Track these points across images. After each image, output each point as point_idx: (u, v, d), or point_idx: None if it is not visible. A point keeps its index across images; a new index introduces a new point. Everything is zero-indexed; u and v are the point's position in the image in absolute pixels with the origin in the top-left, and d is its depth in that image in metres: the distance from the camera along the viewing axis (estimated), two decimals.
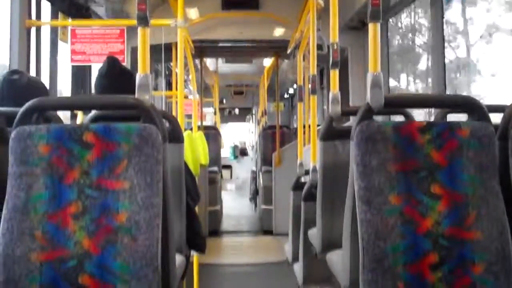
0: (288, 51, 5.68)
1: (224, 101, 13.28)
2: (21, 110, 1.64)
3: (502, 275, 1.58)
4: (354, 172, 1.66)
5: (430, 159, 1.66)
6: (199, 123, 6.97)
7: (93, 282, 1.52)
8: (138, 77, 1.92)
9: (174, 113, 5.35)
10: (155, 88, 8.10)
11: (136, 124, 1.63)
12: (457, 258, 1.59)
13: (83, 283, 1.52)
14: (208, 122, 11.09)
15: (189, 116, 6.86)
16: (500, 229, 1.60)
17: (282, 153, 6.74)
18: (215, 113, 9.61)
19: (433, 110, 3.25)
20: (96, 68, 4.47)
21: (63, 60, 4.04)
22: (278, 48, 6.87)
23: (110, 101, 1.81)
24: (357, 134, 1.67)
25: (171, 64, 6.44)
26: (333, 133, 2.53)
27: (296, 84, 4.87)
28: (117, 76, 2.34)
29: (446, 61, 4.24)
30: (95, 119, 1.94)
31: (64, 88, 4.51)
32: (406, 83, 7.74)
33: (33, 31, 3.48)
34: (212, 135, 7.84)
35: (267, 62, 8.46)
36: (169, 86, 8.48)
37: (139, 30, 1.92)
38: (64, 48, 4.02)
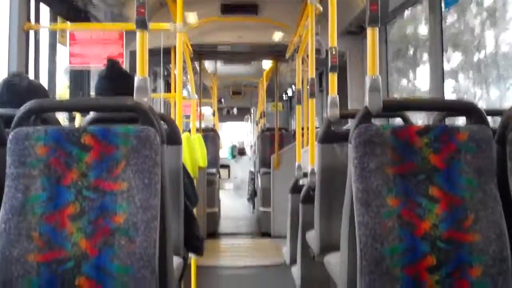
0: (287, 55, 5.69)
1: (223, 100, 13.25)
2: (19, 111, 1.64)
3: (499, 277, 1.58)
4: (352, 175, 1.66)
5: (428, 162, 1.66)
6: (198, 125, 6.97)
7: (90, 283, 1.51)
8: (136, 79, 1.92)
9: (172, 115, 5.35)
10: (154, 90, 8.11)
11: (134, 126, 1.63)
12: (454, 260, 1.59)
13: (80, 285, 1.51)
14: (206, 121, 11.07)
15: (188, 116, 6.86)
16: (498, 232, 1.60)
17: (281, 155, 6.74)
18: (213, 115, 9.60)
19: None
20: (94, 71, 4.49)
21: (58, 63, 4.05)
22: (277, 52, 6.88)
23: (108, 103, 1.82)
24: (355, 137, 1.67)
25: (170, 66, 6.45)
26: (331, 136, 2.54)
27: (295, 85, 4.89)
28: (116, 78, 2.35)
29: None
30: (93, 122, 1.94)
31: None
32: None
33: (31, 34, 3.49)
34: (210, 137, 7.84)
35: (266, 63, 8.47)
36: (168, 86, 8.49)
37: (138, 34, 1.93)
38: (62, 51, 4.04)
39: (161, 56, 3.56)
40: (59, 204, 1.56)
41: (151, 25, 2.10)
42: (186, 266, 2.40)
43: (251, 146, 13.44)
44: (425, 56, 5.18)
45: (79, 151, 1.60)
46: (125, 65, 4.29)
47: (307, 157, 3.47)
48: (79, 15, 4.25)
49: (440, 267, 1.58)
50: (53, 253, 1.53)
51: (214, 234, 6.93)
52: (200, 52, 6.76)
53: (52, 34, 3.99)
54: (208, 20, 5.51)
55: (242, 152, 13.63)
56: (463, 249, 1.60)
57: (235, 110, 15.18)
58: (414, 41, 5.68)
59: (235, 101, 13.63)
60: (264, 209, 7.07)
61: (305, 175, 3.49)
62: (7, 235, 1.53)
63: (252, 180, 9.42)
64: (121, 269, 1.52)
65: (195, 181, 3.03)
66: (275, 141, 7.11)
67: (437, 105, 2.02)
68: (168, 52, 5.35)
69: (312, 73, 3.61)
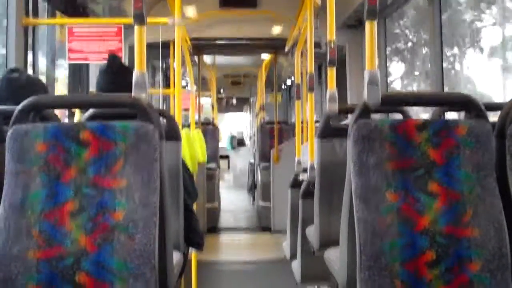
0: (286, 49, 5.67)
1: (222, 91, 13.18)
2: (17, 108, 1.64)
3: (498, 272, 1.58)
4: (351, 170, 1.66)
5: (427, 157, 1.66)
6: (197, 118, 6.96)
7: (90, 280, 1.52)
8: (134, 75, 1.92)
9: (171, 108, 5.34)
10: (153, 85, 8.08)
11: (133, 122, 1.62)
12: (454, 255, 1.59)
13: (80, 281, 1.52)
14: (205, 113, 11.00)
15: (187, 109, 6.85)
16: (497, 227, 1.60)
17: (281, 150, 6.74)
18: (212, 107, 9.56)
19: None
20: (93, 66, 4.48)
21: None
22: (276, 46, 6.86)
23: (107, 99, 1.81)
24: (354, 132, 1.67)
25: (169, 59, 6.43)
26: (330, 131, 2.54)
27: (294, 76, 4.88)
28: (117, 73, 2.36)
29: None
30: (92, 117, 1.94)
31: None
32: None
33: (30, 29, 3.47)
34: (210, 131, 7.83)
35: (265, 54, 8.45)
36: (167, 80, 8.47)
37: (136, 28, 1.92)
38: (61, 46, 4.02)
39: (160, 50, 3.55)
40: (59, 201, 1.56)
41: (149, 20, 2.09)
42: (186, 261, 2.40)
43: (251, 137, 13.41)
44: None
45: (77, 147, 1.60)
46: (124, 60, 4.28)
47: (307, 152, 3.46)
48: (78, 9, 4.24)
49: (440, 262, 1.58)
50: (52, 249, 1.53)
51: (214, 229, 6.94)
52: (199, 46, 6.74)
53: (50, 29, 3.98)
54: (207, 14, 5.50)
55: (241, 143, 13.61)
56: (462, 244, 1.60)
57: (234, 101, 15.13)
58: None
59: (234, 91, 13.55)
60: (264, 204, 7.07)
61: (304, 170, 3.49)
62: (7, 232, 1.53)
63: (252, 172, 9.40)
64: (120, 265, 1.52)
65: (194, 176, 3.03)
66: (274, 134, 7.11)
67: (436, 99, 2.01)
68: (167, 46, 5.33)
69: (311, 67, 3.60)
